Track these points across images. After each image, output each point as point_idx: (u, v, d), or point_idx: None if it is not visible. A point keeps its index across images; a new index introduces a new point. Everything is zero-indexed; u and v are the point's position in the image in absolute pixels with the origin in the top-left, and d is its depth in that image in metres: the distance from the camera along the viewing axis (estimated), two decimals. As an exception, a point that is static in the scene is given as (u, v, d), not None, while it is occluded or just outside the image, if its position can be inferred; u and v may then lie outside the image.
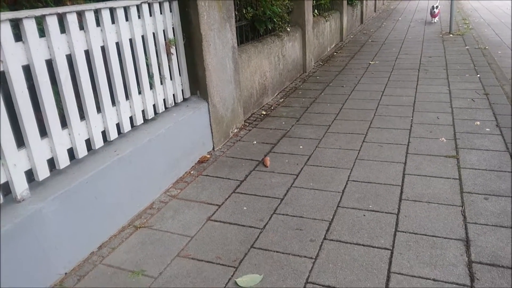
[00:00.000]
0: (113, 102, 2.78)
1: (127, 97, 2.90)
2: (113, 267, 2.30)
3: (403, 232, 2.44)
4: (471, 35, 8.78)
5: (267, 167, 3.38)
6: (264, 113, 4.69)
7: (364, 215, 2.63)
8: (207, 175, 3.29)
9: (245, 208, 2.80)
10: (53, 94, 2.30)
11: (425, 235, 2.40)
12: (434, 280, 2.05)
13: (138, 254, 2.40)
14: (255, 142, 3.89)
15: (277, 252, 2.34)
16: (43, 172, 2.25)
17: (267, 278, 2.15)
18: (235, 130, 4.14)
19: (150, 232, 2.60)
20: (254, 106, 4.71)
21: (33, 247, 2.08)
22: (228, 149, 3.77)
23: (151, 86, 3.14)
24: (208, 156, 3.59)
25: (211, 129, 3.69)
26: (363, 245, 2.35)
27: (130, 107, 2.92)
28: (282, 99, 5.16)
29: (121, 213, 2.67)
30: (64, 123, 2.42)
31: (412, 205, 2.71)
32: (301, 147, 3.72)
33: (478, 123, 3.98)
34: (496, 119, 4.03)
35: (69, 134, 2.43)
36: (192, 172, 3.37)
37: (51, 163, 2.34)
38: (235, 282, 2.13)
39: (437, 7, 10.45)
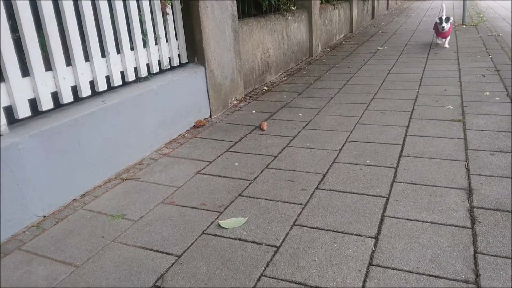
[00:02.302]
0: (103, 53, 2.70)
1: (118, 51, 2.82)
2: (93, 212, 2.21)
3: (401, 182, 2.29)
4: (484, 25, 8.56)
5: (264, 130, 3.26)
6: (266, 88, 4.58)
7: (361, 169, 2.49)
8: (201, 138, 3.19)
9: (236, 164, 2.69)
10: (38, 38, 2.24)
11: (425, 185, 2.25)
12: (431, 223, 1.90)
13: (120, 201, 2.30)
14: (254, 111, 3.78)
15: (265, 199, 2.22)
16: (23, 110, 2.17)
17: (251, 221, 2.02)
18: (235, 102, 4.03)
19: (136, 183, 2.50)
20: (256, 82, 4.60)
21: (9, 183, 1.99)
22: (226, 117, 3.67)
23: (145, 44, 3.07)
24: (204, 121, 3.49)
25: (208, 95, 3.59)
26: (357, 193, 2.21)
27: (122, 62, 2.85)
28: (285, 78, 5.05)
29: (107, 165, 2.57)
30: (49, 67, 2.35)
31: (413, 160, 2.55)
32: (300, 115, 3.60)
33: (488, 93, 3.80)
34: (507, 90, 3.85)
35: (54, 77, 2.36)
36: (186, 135, 3.27)
37: (35, 107, 2.27)
38: (218, 224, 2.01)
39: (447, 19, 5.98)
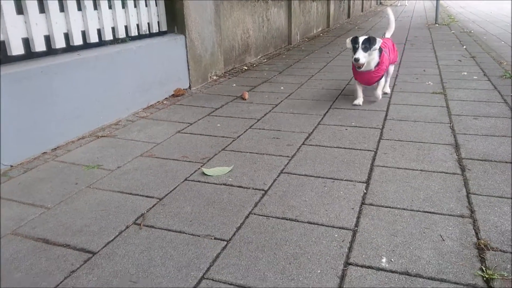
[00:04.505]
0: (80, 7, 2.56)
1: (96, 7, 2.68)
2: (66, 163, 2.06)
3: (387, 140, 2.25)
4: (456, 25, 8.81)
5: (245, 99, 3.17)
6: (246, 68, 4.50)
7: (346, 129, 2.44)
8: (181, 104, 3.07)
9: (218, 125, 2.59)
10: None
11: (412, 141, 2.22)
12: (421, 170, 1.86)
13: (95, 154, 2.16)
14: (234, 85, 3.69)
15: (250, 153, 2.13)
16: (-10, 51, 2.01)
17: (237, 169, 1.93)
18: (214, 77, 3.93)
19: (112, 140, 2.36)
20: (235, 61, 4.52)
21: (-28, 123, 1.83)
22: (205, 89, 3.56)
23: (123, 5, 2.93)
24: (184, 90, 3.37)
25: (188, 65, 3.48)
26: (345, 148, 2.15)
27: (99, 19, 2.70)
28: (265, 60, 4.99)
29: (82, 121, 2.42)
30: (21, 11, 2.19)
31: (398, 122, 2.53)
32: (282, 88, 3.53)
33: (465, 73, 3.85)
34: (483, 71, 3.91)
35: (25, 22, 2.20)
36: (165, 102, 3.14)
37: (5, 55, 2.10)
38: (202, 172, 1.90)
39: (366, 44, 2.66)
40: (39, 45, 2.27)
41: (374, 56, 2.76)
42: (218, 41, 3.92)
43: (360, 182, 1.77)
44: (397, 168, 1.89)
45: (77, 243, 1.39)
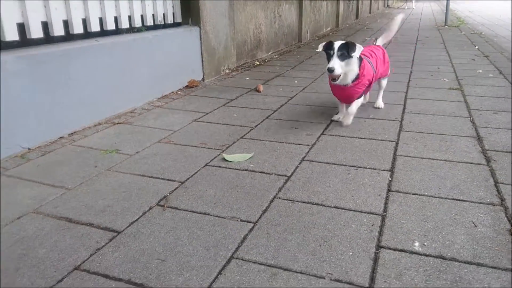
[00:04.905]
0: (97, -6, 2.54)
1: (112, -5, 2.67)
2: (84, 147, 2.04)
3: (408, 131, 2.22)
4: (466, 27, 8.77)
5: (260, 92, 3.15)
6: (258, 63, 4.48)
7: (365, 121, 2.41)
8: (195, 95, 3.05)
9: (235, 115, 2.56)
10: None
11: (432, 133, 2.19)
12: (445, 160, 1.83)
13: (113, 140, 2.14)
14: (247, 78, 3.67)
15: (270, 141, 2.10)
16: (10, 33, 1.99)
17: (258, 156, 1.90)
18: (227, 70, 3.91)
19: (129, 127, 2.34)
20: (247, 56, 4.50)
21: (-8, 104, 1.81)
22: (219, 81, 3.54)
23: (140, -7, 2.92)
24: (197, 82, 3.35)
25: (202, 57, 3.46)
26: (365, 138, 2.12)
27: (116, 7, 2.69)
28: (276, 56, 4.96)
29: (98, 107, 2.40)
30: (40, -5, 2.18)
31: (417, 116, 2.50)
32: (296, 82, 3.51)
33: (480, 71, 3.82)
34: (499, 69, 3.88)
35: (45, 7, 2.18)
36: (179, 92, 3.12)
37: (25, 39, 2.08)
38: (223, 158, 1.88)
39: (342, 50, 2.14)
40: (58, 30, 2.25)
41: (353, 67, 2.19)
42: (231, 35, 3.90)
43: (384, 170, 1.74)
44: (421, 158, 1.86)
45: (100, 222, 1.36)
